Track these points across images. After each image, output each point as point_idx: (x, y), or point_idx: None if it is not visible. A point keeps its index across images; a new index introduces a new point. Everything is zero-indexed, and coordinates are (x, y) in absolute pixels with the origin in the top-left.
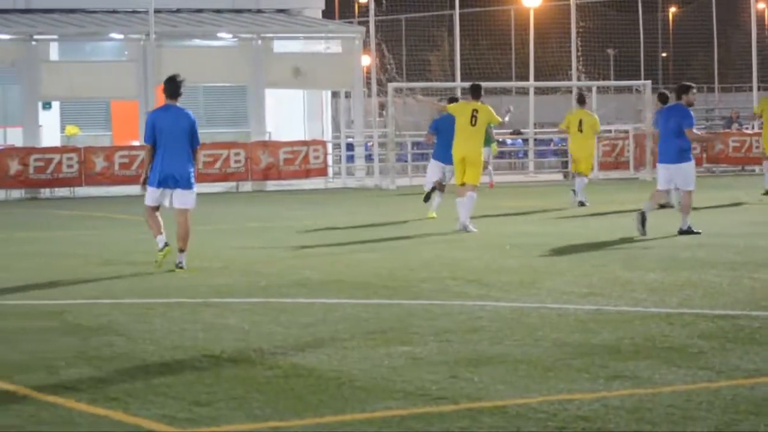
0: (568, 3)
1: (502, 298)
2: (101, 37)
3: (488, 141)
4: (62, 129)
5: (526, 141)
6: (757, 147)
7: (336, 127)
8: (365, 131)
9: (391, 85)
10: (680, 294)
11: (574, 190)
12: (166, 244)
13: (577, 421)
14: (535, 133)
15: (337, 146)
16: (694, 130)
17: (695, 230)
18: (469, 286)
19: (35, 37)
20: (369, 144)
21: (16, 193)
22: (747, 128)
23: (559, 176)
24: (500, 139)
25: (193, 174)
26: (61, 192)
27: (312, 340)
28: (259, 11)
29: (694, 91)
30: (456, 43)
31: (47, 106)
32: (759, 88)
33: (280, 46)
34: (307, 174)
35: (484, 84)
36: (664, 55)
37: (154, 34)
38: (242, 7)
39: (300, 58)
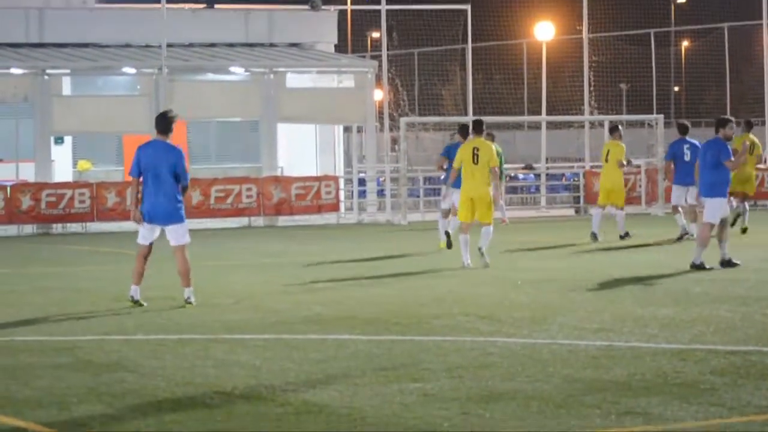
0: (580, 37)
1: (514, 334)
2: (114, 71)
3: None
4: (74, 164)
5: (538, 176)
6: None
7: (348, 162)
8: (377, 166)
9: (403, 120)
10: (692, 330)
11: (594, 233)
12: (136, 302)
13: None
14: (547, 168)
15: (349, 181)
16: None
17: (707, 266)
18: (481, 322)
19: (48, 71)
20: (381, 179)
21: (28, 229)
22: (760, 164)
23: (571, 211)
24: (512, 174)
25: (180, 207)
26: (73, 227)
27: (323, 376)
28: (271, 45)
29: (732, 125)
30: (468, 77)
31: (59, 140)
32: None
33: (292, 81)
34: (318, 209)
35: (496, 119)
36: (676, 89)
37: (167, 69)
38: (255, 41)
39: (312, 93)
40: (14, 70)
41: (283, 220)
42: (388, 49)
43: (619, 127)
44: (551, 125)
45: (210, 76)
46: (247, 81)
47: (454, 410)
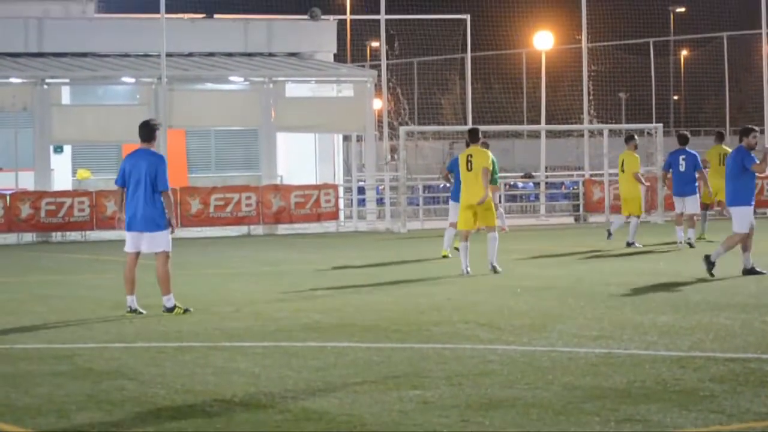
0: (579, 46)
1: (513, 342)
2: (113, 80)
3: (494, 181)
4: (74, 172)
5: (537, 184)
6: None
7: (347, 171)
8: (376, 174)
9: (402, 129)
10: (691, 337)
11: (609, 230)
12: (134, 311)
13: None
14: (547, 177)
15: (348, 190)
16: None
17: (712, 272)
18: (480, 329)
19: (47, 80)
20: (380, 187)
21: (28, 237)
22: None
23: (571, 220)
24: (512, 182)
25: (161, 215)
26: (73, 236)
27: (323, 384)
28: (270, 55)
29: (756, 134)
30: (468, 86)
31: (59, 149)
32: None
33: (292, 90)
34: (318, 218)
35: (496, 128)
36: (675, 98)
37: (166, 78)
38: (254, 50)
39: (312, 102)
40: (14, 80)
41: (282, 229)
42: (387, 59)
43: (635, 137)
44: (550, 134)
45: (209, 85)
46: (246, 90)
47: (454, 418)
